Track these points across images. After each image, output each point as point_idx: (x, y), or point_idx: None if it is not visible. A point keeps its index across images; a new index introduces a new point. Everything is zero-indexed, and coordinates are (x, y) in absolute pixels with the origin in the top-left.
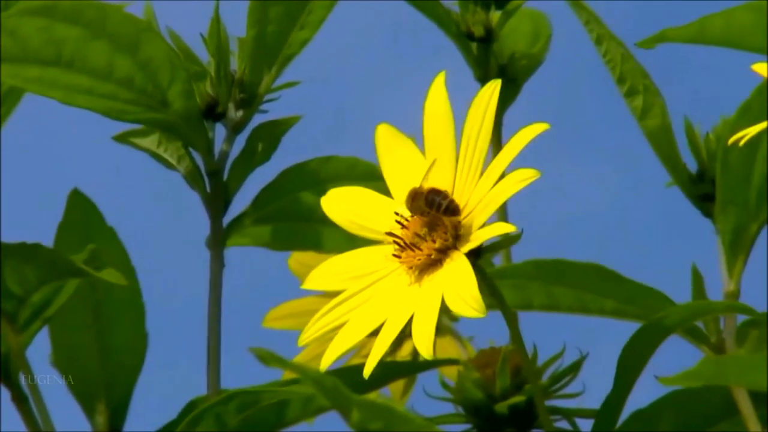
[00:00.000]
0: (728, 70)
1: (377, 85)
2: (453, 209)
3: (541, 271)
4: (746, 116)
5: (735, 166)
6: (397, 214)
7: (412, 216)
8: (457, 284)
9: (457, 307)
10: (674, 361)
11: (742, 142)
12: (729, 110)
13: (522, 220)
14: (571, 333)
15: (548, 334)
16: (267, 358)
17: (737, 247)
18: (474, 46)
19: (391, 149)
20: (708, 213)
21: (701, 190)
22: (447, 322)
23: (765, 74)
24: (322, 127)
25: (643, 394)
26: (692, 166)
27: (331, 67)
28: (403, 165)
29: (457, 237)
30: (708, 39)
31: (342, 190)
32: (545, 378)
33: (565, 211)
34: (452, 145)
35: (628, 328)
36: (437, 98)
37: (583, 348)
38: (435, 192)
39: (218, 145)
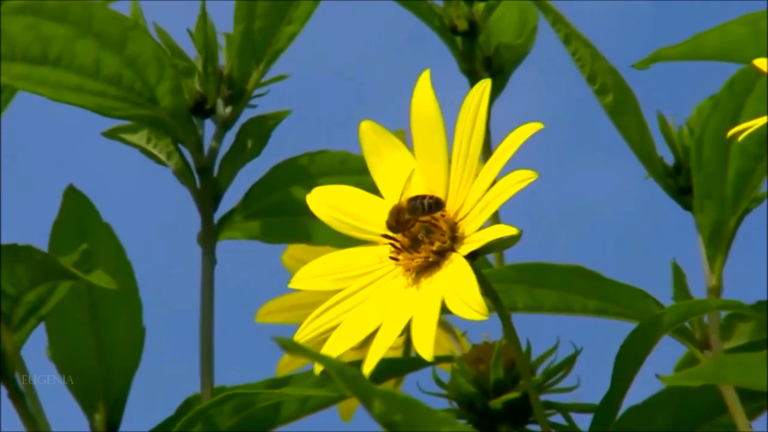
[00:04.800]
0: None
1: (372, 81)
2: (436, 203)
3: (523, 275)
4: (717, 111)
5: (709, 160)
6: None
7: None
8: (458, 287)
9: (459, 310)
10: (659, 357)
11: (741, 137)
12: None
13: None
14: (562, 332)
15: (540, 334)
16: (289, 347)
17: (717, 241)
18: (459, 39)
19: (377, 147)
20: (688, 206)
21: (678, 183)
22: (441, 315)
23: (766, 70)
24: (315, 124)
25: (635, 391)
26: (669, 159)
27: (323, 63)
28: (391, 164)
29: (454, 239)
30: (702, 55)
31: (328, 188)
32: (539, 373)
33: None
34: (443, 145)
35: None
36: (423, 98)
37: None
38: (413, 199)
39: (208, 142)
